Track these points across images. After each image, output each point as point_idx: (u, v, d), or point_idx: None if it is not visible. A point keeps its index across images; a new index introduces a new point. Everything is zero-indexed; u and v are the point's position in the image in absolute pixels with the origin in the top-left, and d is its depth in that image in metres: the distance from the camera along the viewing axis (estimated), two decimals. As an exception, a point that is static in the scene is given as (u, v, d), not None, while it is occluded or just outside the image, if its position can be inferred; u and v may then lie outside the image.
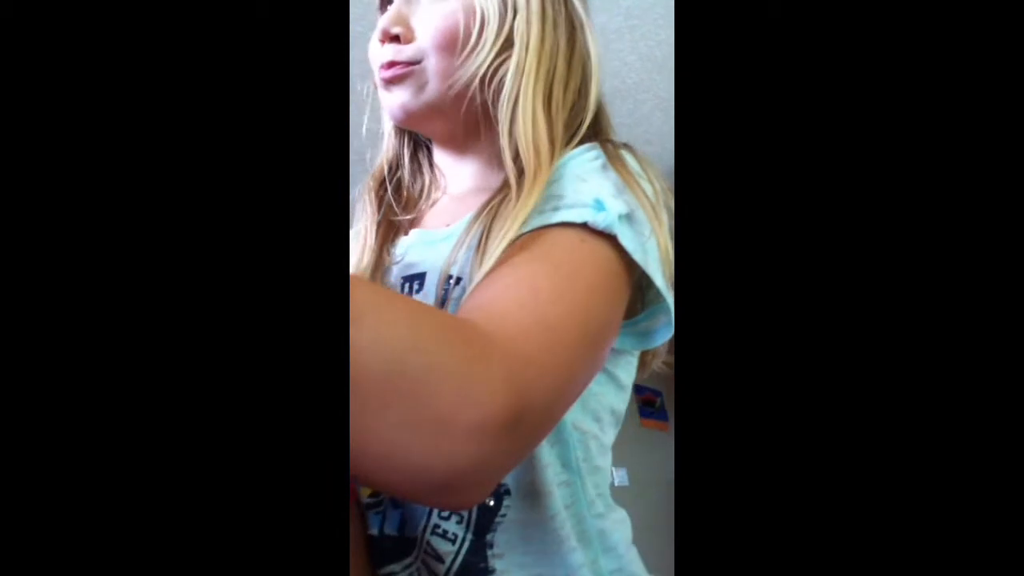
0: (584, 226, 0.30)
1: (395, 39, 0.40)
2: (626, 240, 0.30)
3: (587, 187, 0.33)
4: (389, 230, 0.45)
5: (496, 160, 0.40)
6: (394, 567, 0.33)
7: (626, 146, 0.38)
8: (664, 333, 0.36)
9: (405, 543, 0.33)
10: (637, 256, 0.31)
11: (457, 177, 0.45)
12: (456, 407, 0.22)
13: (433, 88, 0.40)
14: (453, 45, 0.39)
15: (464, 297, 0.31)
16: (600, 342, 0.30)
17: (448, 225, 0.40)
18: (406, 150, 0.49)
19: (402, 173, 0.48)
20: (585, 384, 0.30)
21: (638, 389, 2.61)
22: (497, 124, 0.38)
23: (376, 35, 0.41)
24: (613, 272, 0.31)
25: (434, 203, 0.47)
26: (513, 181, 0.35)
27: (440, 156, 0.47)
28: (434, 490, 0.23)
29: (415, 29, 0.40)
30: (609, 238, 0.30)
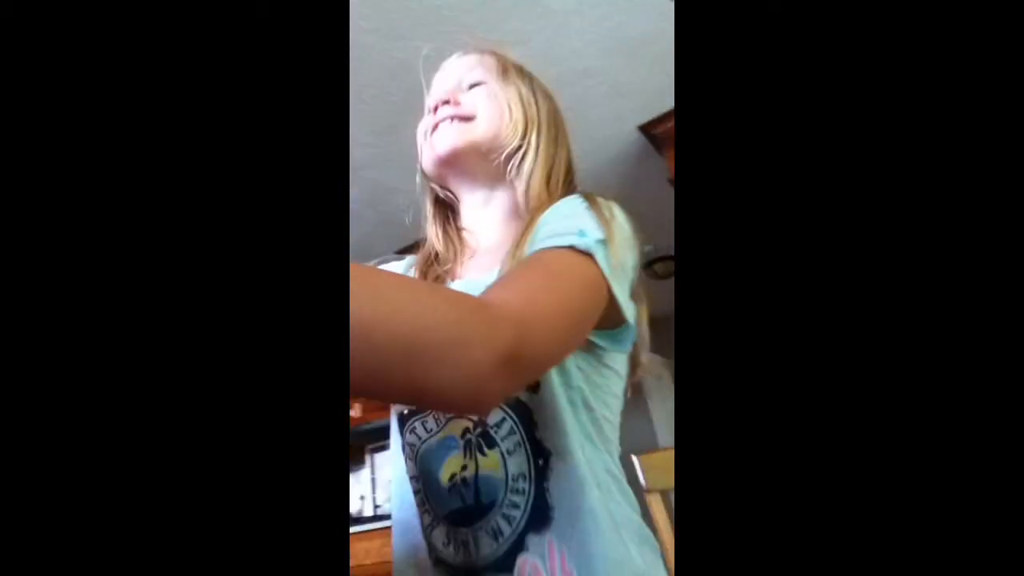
0: (571, 247, 0.42)
1: (446, 103, 0.58)
2: (601, 260, 0.42)
3: (573, 221, 0.45)
4: None
5: (509, 215, 0.59)
6: (480, 523, 0.48)
7: (604, 199, 0.52)
8: (625, 345, 0.52)
9: (483, 508, 0.48)
10: (607, 272, 0.43)
11: (483, 233, 0.61)
12: (482, 354, 0.31)
13: (478, 137, 0.57)
14: (496, 117, 0.58)
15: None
16: (578, 323, 0.42)
17: (490, 271, 0.54)
18: (439, 228, 0.65)
19: (437, 248, 0.64)
20: (566, 350, 0.44)
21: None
22: (515, 191, 0.58)
23: (429, 106, 0.59)
24: (591, 280, 0.43)
25: (471, 257, 0.61)
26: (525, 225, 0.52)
27: (466, 216, 0.63)
28: (466, 407, 0.39)
29: (459, 98, 0.58)
30: (589, 257, 0.42)
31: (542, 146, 0.58)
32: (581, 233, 0.43)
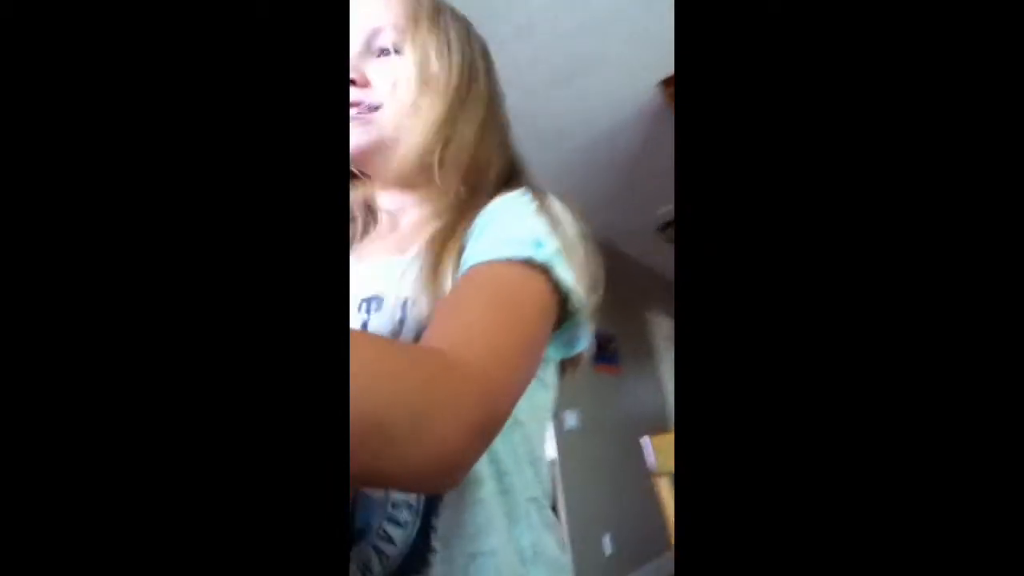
0: (527, 261, 0.38)
1: (352, 83, 0.49)
2: (560, 272, 0.39)
3: (525, 226, 0.41)
4: None
5: (433, 199, 0.51)
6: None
7: (555, 196, 0.48)
8: (583, 343, 0.46)
9: (355, 534, 0.40)
10: (568, 282, 0.40)
11: (401, 214, 0.54)
12: (452, 428, 0.29)
13: (384, 133, 0.49)
14: (403, 100, 0.48)
15: (432, 321, 0.37)
16: (536, 357, 0.39)
17: (403, 253, 0.48)
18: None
19: None
20: (525, 388, 0.38)
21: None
22: (436, 177, 0.48)
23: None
24: (545, 300, 0.39)
25: (377, 237, 0.54)
26: (450, 214, 0.46)
27: (383, 198, 0.55)
28: (434, 485, 0.33)
29: (368, 77, 0.49)
30: (544, 270, 0.39)
31: (460, 136, 0.49)
32: (537, 243, 0.39)
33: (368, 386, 0.26)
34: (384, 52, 0.50)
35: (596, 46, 1.92)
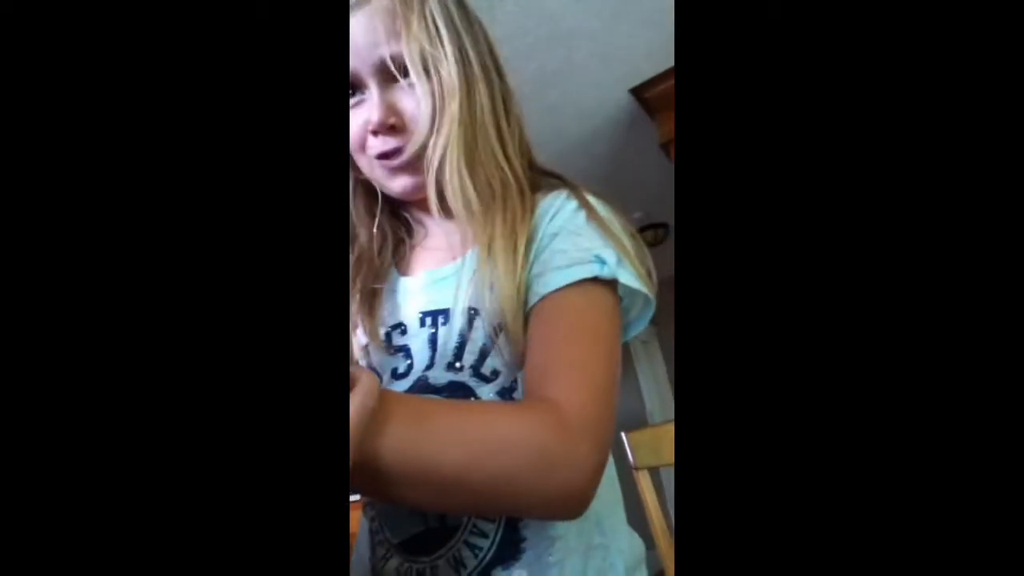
0: (596, 279, 0.41)
1: (391, 129, 0.45)
2: (626, 279, 0.42)
3: (583, 241, 0.43)
4: (366, 298, 0.51)
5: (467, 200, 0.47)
6: (441, 551, 0.43)
7: (589, 191, 0.48)
8: (636, 327, 0.50)
9: (447, 531, 0.43)
10: (636, 285, 0.42)
11: (428, 220, 0.53)
12: (576, 478, 0.34)
13: (433, 167, 0.45)
14: (436, 125, 0.45)
15: (533, 367, 0.40)
16: (619, 369, 0.42)
17: (452, 259, 0.48)
18: (371, 220, 0.54)
19: (371, 244, 0.53)
20: None
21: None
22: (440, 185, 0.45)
23: (370, 127, 0.45)
24: (614, 311, 0.43)
25: (415, 247, 0.54)
26: (467, 231, 0.45)
27: (412, 210, 0.54)
28: (564, 518, 0.40)
29: (404, 115, 0.45)
30: (610, 282, 0.42)
31: (461, 132, 0.45)
32: (599, 261, 0.42)
33: (499, 449, 0.32)
34: (404, 67, 0.45)
35: (565, 58, 1.95)
